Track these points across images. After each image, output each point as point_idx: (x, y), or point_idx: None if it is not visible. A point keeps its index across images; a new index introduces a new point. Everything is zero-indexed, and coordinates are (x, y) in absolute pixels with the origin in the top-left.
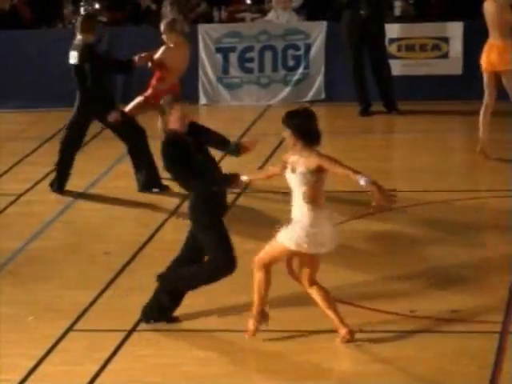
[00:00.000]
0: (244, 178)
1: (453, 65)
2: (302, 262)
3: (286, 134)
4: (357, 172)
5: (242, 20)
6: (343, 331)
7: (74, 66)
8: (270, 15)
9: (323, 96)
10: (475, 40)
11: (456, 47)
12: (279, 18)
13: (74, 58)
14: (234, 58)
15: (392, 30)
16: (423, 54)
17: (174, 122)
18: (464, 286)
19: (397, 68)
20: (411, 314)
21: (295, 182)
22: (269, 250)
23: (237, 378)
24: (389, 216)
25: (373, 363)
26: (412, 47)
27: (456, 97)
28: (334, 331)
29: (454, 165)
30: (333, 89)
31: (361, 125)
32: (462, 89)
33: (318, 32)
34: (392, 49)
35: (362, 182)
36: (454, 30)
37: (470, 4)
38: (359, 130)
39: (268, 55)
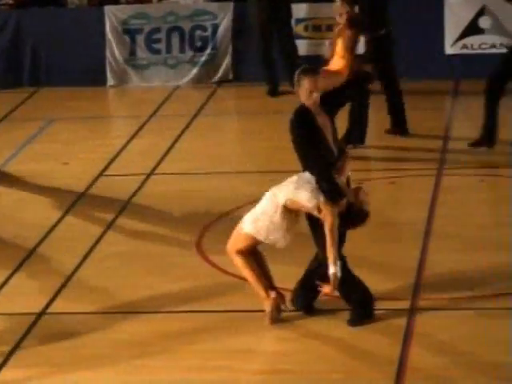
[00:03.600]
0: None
1: (359, 44)
2: None
3: None
4: None
5: (149, 1)
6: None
7: None
8: None
9: (231, 77)
10: None
11: None
12: None
13: None
14: (141, 39)
15: (299, 11)
16: (330, 33)
17: (302, 95)
18: (373, 263)
19: (304, 48)
20: (323, 294)
21: None
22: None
23: (145, 358)
24: None
25: (284, 342)
26: (319, 27)
27: None
28: (245, 310)
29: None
30: (240, 69)
31: (269, 105)
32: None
33: (225, 13)
34: (299, 29)
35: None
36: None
37: None
38: (267, 110)
39: (175, 36)
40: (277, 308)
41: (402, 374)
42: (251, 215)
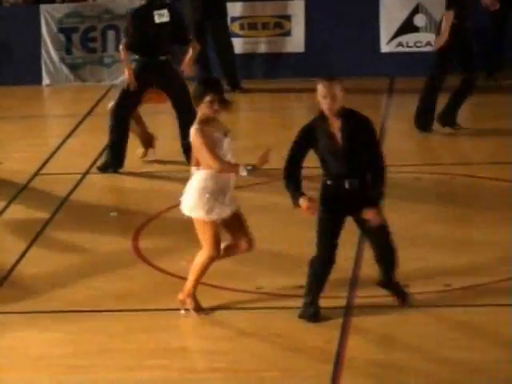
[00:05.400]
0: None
1: (295, 43)
2: None
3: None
4: None
5: (85, 0)
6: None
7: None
8: None
9: None
10: (317, 18)
11: (298, 25)
12: None
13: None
14: (76, 38)
15: (234, 9)
16: (265, 32)
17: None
18: (307, 261)
19: (239, 46)
20: (258, 291)
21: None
22: None
23: (80, 357)
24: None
25: (220, 341)
26: (254, 25)
27: (299, 74)
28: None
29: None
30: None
31: None
32: (304, 66)
33: None
34: (234, 27)
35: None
36: (296, 8)
37: None
38: None
39: (111, 35)
40: None
41: (338, 371)
42: (185, 204)
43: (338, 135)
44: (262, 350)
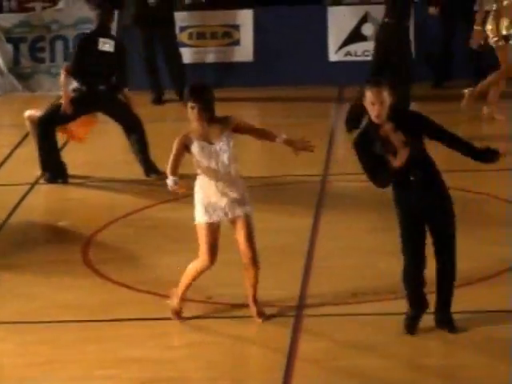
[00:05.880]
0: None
1: (244, 52)
2: None
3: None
4: None
5: (33, 9)
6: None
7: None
8: (61, 4)
9: None
10: (265, 27)
11: (247, 34)
12: (70, 7)
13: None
14: (24, 48)
15: (182, 18)
16: (214, 41)
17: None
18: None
19: (188, 56)
20: (208, 301)
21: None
22: None
23: (29, 369)
24: (187, 201)
25: (170, 350)
26: (203, 35)
27: (248, 83)
28: (132, 319)
29: (250, 150)
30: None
31: (154, 113)
32: (253, 75)
33: None
34: (183, 37)
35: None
36: (245, 18)
37: None
38: (152, 119)
39: (59, 45)
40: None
41: (288, 379)
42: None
43: (392, 138)
44: (212, 358)
